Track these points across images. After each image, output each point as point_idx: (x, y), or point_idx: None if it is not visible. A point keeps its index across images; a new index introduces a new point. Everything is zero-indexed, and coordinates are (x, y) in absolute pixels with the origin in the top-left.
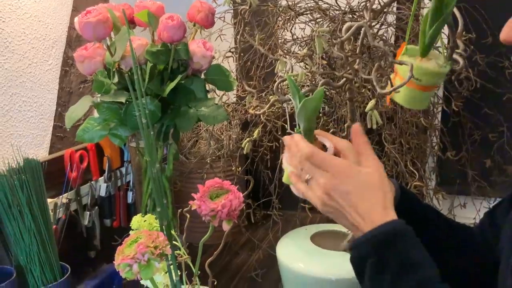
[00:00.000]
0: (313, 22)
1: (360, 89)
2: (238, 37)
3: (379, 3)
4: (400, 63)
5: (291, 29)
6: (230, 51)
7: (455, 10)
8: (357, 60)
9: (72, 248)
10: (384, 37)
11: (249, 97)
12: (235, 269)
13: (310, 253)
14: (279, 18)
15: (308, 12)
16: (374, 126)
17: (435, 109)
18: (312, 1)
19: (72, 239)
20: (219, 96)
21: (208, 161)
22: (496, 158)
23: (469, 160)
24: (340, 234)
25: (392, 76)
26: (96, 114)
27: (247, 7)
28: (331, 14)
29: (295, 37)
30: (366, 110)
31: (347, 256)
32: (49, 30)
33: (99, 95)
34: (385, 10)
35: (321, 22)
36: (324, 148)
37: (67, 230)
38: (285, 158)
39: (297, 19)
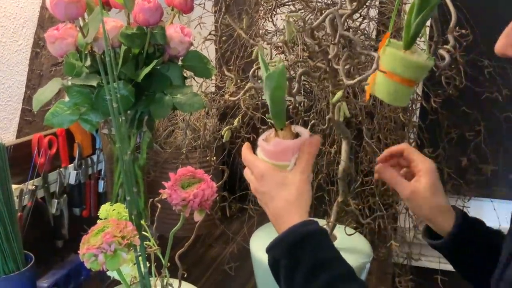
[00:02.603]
0: (295, 13)
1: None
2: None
3: None
4: (368, 54)
5: (273, 19)
6: (210, 33)
7: (449, 3)
8: (334, 49)
9: (38, 237)
10: (365, 31)
11: (229, 82)
12: (209, 262)
13: None
14: (261, 8)
15: (290, 2)
16: (342, 119)
17: (413, 106)
18: None
19: (39, 227)
20: (198, 83)
21: (184, 151)
22: (472, 157)
23: (445, 158)
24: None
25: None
26: (67, 98)
27: None
28: (313, 6)
29: (276, 28)
30: (332, 101)
31: None
32: (20, 9)
33: (70, 78)
34: (367, 3)
35: (303, 13)
36: (297, 136)
37: (34, 218)
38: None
39: (278, 10)
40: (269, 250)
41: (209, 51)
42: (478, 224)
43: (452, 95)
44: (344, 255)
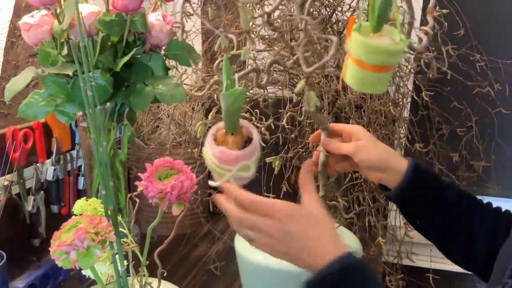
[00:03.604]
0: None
1: (327, 76)
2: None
3: None
4: (328, 38)
5: (260, 11)
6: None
7: None
8: (300, 37)
9: (13, 235)
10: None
11: (197, 76)
12: (193, 262)
13: None
14: None
15: None
16: (312, 109)
17: (404, 100)
18: None
19: (14, 225)
20: (180, 72)
21: (168, 147)
22: (463, 153)
23: (436, 154)
24: None
25: (346, 57)
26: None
27: None
28: None
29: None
30: (295, 91)
31: None
32: None
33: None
34: None
35: (291, 5)
36: (247, 142)
37: (8, 215)
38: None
39: (266, 1)
40: (311, 283)
41: (195, 44)
42: (430, 176)
43: (443, 91)
44: None
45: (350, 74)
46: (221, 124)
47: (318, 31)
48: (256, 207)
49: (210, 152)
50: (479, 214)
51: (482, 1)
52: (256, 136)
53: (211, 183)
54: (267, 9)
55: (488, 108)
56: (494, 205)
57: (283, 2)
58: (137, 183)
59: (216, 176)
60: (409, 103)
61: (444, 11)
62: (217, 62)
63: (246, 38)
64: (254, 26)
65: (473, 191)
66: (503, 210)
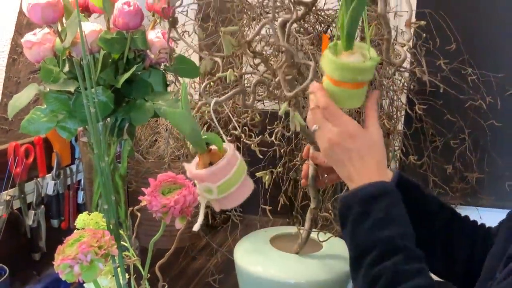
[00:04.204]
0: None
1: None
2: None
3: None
4: (305, 63)
5: (256, 27)
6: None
7: None
8: (282, 59)
9: (14, 249)
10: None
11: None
12: (192, 275)
13: (269, 256)
14: (244, 16)
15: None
16: (298, 129)
17: (398, 113)
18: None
19: (15, 239)
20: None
21: (167, 161)
22: (457, 165)
23: (430, 166)
24: (300, 236)
25: (324, 77)
26: (45, 105)
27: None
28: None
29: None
30: (279, 113)
31: (307, 259)
32: None
33: (47, 84)
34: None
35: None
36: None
37: (9, 230)
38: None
39: (262, 17)
40: (344, 198)
41: (192, 58)
42: (413, 187)
43: (436, 104)
44: (330, 262)
45: (327, 92)
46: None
47: (296, 58)
48: (332, 120)
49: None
50: (458, 226)
51: (474, 16)
52: (224, 161)
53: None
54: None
55: (480, 120)
56: (489, 216)
57: (266, 26)
58: (141, 198)
59: None
60: (403, 116)
61: (422, 23)
62: (203, 85)
63: (243, 54)
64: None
65: (467, 202)
66: (479, 223)
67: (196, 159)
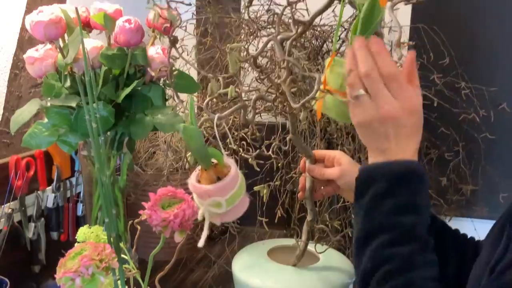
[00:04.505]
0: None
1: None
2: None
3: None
4: (310, 76)
5: (254, 42)
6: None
7: (394, 16)
8: (283, 74)
9: (14, 262)
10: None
11: (186, 115)
12: (190, 286)
13: (267, 269)
14: (242, 31)
15: (271, 26)
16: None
17: None
18: (275, 16)
19: (15, 252)
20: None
21: (165, 173)
22: (451, 177)
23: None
24: (298, 248)
25: (321, 87)
26: (46, 119)
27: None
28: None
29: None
30: (301, 117)
31: (304, 271)
32: None
33: (49, 99)
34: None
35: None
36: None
37: (10, 243)
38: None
39: (259, 33)
40: (369, 168)
41: (191, 73)
42: None
43: (430, 117)
44: (328, 274)
45: (331, 107)
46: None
47: (301, 70)
48: (395, 87)
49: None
50: (449, 237)
51: (467, 31)
52: (231, 176)
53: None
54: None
55: (474, 133)
56: (483, 227)
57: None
58: (141, 212)
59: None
60: None
61: (411, 43)
62: (206, 101)
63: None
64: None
65: (461, 214)
66: (469, 236)
67: (195, 174)
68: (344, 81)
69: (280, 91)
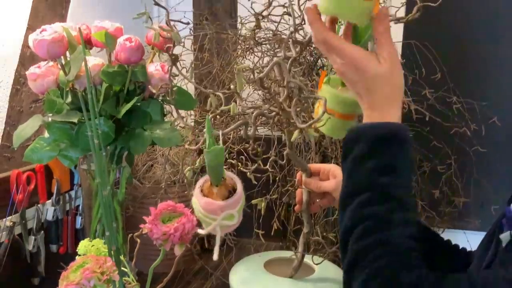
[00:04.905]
0: (271, 52)
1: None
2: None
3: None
4: (316, 98)
5: (250, 57)
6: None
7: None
8: (284, 93)
9: (15, 274)
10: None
11: (186, 130)
12: None
13: (263, 281)
14: (238, 47)
15: (267, 42)
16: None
17: None
18: (271, 32)
19: (15, 264)
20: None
21: (163, 186)
22: (444, 189)
23: (418, 191)
24: (294, 261)
25: (316, 105)
26: (46, 134)
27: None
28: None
29: (254, 65)
30: (292, 139)
31: (300, 283)
32: (2, 47)
33: (50, 114)
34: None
35: (279, 52)
36: (231, 193)
37: (10, 255)
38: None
39: (256, 48)
40: (353, 130)
41: (189, 88)
42: None
43: (423, 130)
44: (323, 285)
45: (325, 124)
46: (207, 176)
47: (306, 92)
48: (335, 53)
49: (197, 202)
50: (441, 247)
51: (458, 46)
52: (240, 187)
53: (199, 231)
54: (256, 57)
55: (465, 147)
56: (476, 239)
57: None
58: (142, 226)
59: (204, 225)
60: None
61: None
62: (209, 117)
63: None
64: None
65: (454, 226)
66: (461, 247)
67: (199, 192)
68: (332, 100)
69: (282, 109)
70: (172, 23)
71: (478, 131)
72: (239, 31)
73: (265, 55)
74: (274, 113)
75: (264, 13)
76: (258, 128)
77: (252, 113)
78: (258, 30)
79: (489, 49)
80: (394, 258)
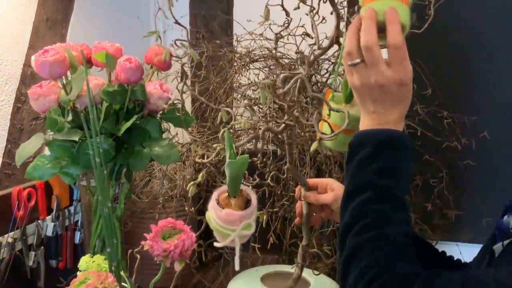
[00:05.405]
0: (266, 68)
1: (301, 133)
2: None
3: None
4: (337, 111)
5: (246, 74)
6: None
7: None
8: (298, 108)
9: None
10: (332, 86)
11: (194, 145)
12: None
13: None
14: (235, 64)
15: (262, 59)
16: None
17: None
18: (266, 50)
19: (16, 280)
20: (172, 135)
21: (161, 201)
22: (436, 202)
23: (411, 204)
24: (290, 275)
25: (320, 122)
26: (46, 151)
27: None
28: (283, 62)
29: (249, 81)
30: (311, 150)
31: None
32: (4, 67)
33: (51, 132)
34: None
35: (274, 69)
36: (247, 203)
37: (11, 271)
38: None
39: (251, 65)
40: (360, 133)
41: (186, 101)
42: None
43: (415, 145)
44: None
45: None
46: (222, 188)
47: (329, 106)
48: (371, 63)
49: (215, 215)
50: (435, 257)
51: (448, 62)
52: (254, 197)
53: (216, 244)
54: (252, 74)
55: (457, 160)
56: (468, 251)
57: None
58: (143, 242)
59: (219, 237)
60: None
61: None
62: (221, 132)
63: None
64: (239, 86)
65: (447, 238)
66: (455, 258)
67: (215, 204)
68: (337, 116)
69: (298, 121)
70: (175, 41)
71: (469, 145)
72: (235, 48)
73: (261, 71)
74: (282, 127)
75: (284, 33)
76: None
77: (260, 128)
78: (254, 47)
79: (478, 65)
80: (391, 250)
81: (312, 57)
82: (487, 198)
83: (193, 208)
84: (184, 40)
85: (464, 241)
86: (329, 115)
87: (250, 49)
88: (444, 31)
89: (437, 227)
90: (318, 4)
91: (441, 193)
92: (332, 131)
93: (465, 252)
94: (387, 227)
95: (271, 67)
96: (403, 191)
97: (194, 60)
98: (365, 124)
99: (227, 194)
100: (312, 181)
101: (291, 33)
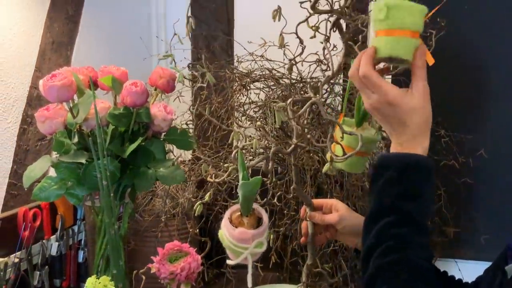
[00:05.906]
0: (266, 88)
1: (310, 153)
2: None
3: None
4: (350, 134)
5: (247, 93)
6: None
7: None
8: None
9: None
10: (331, 105)
11: (205, 165)
12: None
13: None
14: (235, 84)
15: (262, 79)
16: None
17: None
18: (266, 70)
19: None
20: (175, 156)
21: (163, 219)
22: (435, 219)
23: None
24: None
25: (332, 145)
26: (52, 172)
27: (204, 84)
28: (283, 82)
29: (250, 101)
30: (323, 171)
31: None
32: (11, 90)
33: (57, 154)
34: (331, 81)
35: (275, 89)
36: (259, 221)
37: None
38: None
39: (252, 85)
40: (385, 157)
41: (188, 122)
42: None
43: None
44: None
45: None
46: (234, 207)
47: (342, 129)
48: (371, 87)
49: (228, 233)
50: (437, 275)
51: (444, 81)
52: (266, 216)
53: (228, 262)
54: (253, 93)
55: (455, 178)
56: (467, 268)
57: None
58: (149, 265)
59: (232, 255)
60: None
61: None
62: (233, 153)
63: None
64: (240, 105)
65: (445, 255)
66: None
67: (228, 223)
68: (353, 140)
69: (310, 143)
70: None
71: (466, 163)
72: (235, 69)
73: (262, 91)
74: (291, 148)
75: (298, 59)
76: (254, 160)
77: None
78: (254, 68)
79: (474, 85)
80: (414, 273)
81: (321, 82)
82: (485, 216)
83: (197, 230)
84: (197, 63)
85: (463, 258)
86: (342, 137)
87: (252, 70)
88: (440, 51)
89: (436, 244)
90: (329, 33)
91: (440, 210)
92: (345, 153)
93: (464, 269)
94: (409, 250)
95: (272, 87)
96: (427, 215)
97: (211, 83)
98: (392, 147)
99: (239, 213)
100: (317, 201)
101: (305, 60)
